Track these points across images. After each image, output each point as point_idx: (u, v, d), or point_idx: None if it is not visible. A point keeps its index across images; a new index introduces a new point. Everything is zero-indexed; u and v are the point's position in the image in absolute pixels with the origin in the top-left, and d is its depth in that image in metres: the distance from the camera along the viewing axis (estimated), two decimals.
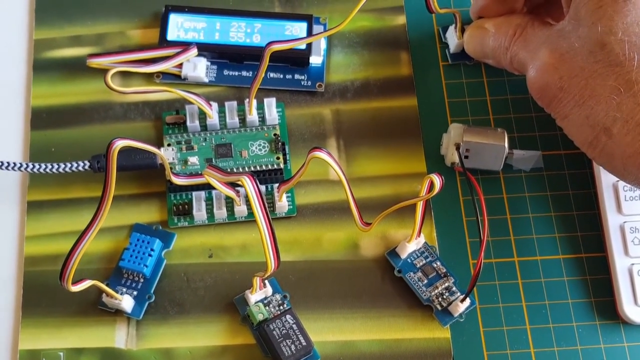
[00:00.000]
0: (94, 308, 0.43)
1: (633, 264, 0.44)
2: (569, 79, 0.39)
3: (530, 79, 0.41)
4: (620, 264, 0.44)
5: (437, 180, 0.40)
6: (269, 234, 0.35)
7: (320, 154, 0.39)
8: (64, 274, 0.36)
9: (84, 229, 0.35)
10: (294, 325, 0.41)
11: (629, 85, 0.37)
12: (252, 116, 0.46)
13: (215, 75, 0.49)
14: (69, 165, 0.44)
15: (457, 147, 0.45)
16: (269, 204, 0.45)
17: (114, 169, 0.34)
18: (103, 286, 0.40)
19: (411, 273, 0.44)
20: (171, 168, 0.44)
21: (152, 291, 0.43)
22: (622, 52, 0.37)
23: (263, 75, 0.44)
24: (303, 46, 0.48)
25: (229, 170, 0.44)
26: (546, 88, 0.40)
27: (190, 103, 0.45)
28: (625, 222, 0.44)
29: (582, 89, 0.38)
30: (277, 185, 0.45)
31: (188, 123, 0.46)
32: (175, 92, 0.44)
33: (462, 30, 0.48)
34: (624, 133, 0.37)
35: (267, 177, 0.45)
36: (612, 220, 0.45)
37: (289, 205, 0.45)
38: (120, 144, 0.35)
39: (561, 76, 0.39)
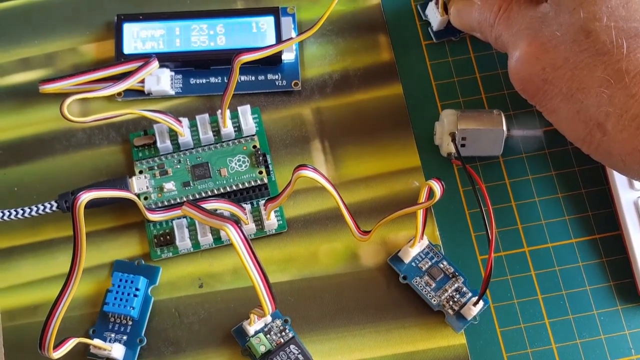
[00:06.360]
0: (83, 358, 0.40)
1: None
2: (553, 70, 0.35)
3: (511, 69, 0.37)
4: (637, 242, 0.41)
5: (437, 187, 0.36)
6: (262, 281, 0.32)
7: (307, 173, 0.36)
8: (43, 342, 0.33)
9: (57, 295, 0.32)
10: (299, 356, 0.38)
11: (619, 75, 0.34)
12: (227, 128, 0.43)
13: (181, 85, 0.45)
14: (34, 208, 0.40)
15: (453, 137, 0.42)
16: (256, 221, 0.42)
17: (82, 232, 0.30)
18: (88, 341, 0.37)
19: (417, 278, 0.41)
20: (146, 197, 0.41)
21: (142, 333, 0.40)
22: (609, 40, 0.33)
23: (235, 86, 0.40)
24: (272, 42, 0.44)
25: (208, 193, 0.41)
26: (528, 79, 0.37)
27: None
28: (639, 197, 0.42)
29: (568, 81, 0.35)
30: (262, 201, 0.42)
31: (159, 144, 0.42)
32: (140, 114, 0.41)
33: (444, 6, 0.44)
34: (619, 129, 0.34)
35: (251, 193, 0.42)
36: (625, 196, 0.42)
37: (278, 221, 0.42)
38: (85, 198, 0.31)
39: (544, 67, 0.36)
